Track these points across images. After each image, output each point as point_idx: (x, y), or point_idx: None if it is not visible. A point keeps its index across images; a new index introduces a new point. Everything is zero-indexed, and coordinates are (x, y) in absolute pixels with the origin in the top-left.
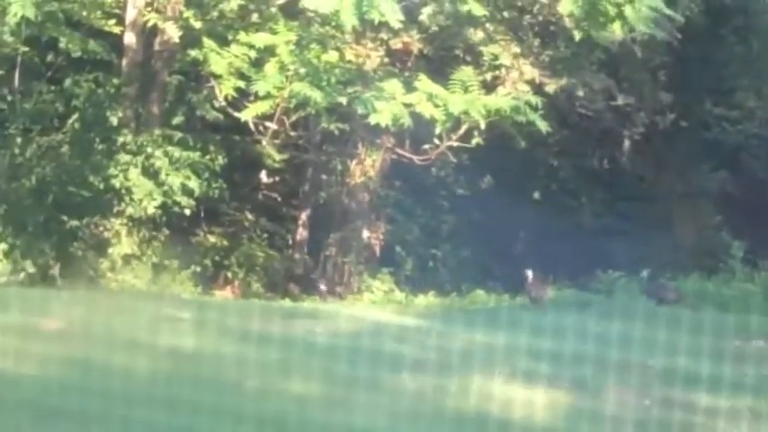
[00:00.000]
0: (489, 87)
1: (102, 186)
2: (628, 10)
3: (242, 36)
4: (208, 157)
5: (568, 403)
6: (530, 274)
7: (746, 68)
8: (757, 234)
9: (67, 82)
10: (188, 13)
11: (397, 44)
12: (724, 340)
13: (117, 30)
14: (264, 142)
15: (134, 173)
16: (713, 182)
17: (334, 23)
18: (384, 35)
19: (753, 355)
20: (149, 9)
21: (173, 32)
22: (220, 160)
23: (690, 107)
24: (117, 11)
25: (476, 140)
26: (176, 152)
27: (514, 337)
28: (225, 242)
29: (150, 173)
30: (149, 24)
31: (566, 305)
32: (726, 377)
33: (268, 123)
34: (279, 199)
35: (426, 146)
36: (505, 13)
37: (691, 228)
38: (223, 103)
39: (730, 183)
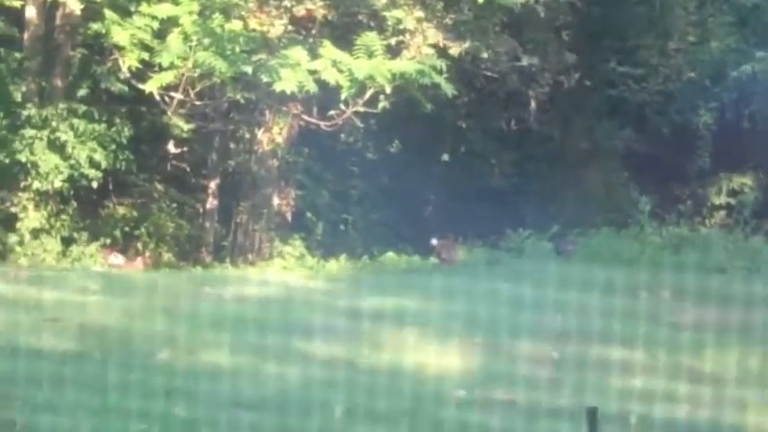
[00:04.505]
0: (394, 52)
1: (7, 161)
2: None
3: (144, 7)
4: (114, 129)
5: (480, 359)
6: (435, 240)
7: (649, 26)
8: (663, 189)
9: None
10: None
11: (300, 11)
12: (634, 292)
13: (17, 4)
14: (170, 113)
15: (40, 147)
16: (619, 139)
17: None
18: (287, 2)
19: (661, 305)
20: None
21: (74, 5)
22: (126, 132)
23: (594, 66)
24: None
25: (382, 105)
26: (82, 125)
27: (425, 297)
28: (134, 213)
29: (56, 146)
30: None
31: (475, 265)
32: (637, 326)
33: (173, 94)
34: (187, 169)
35: (333, 112)
36: None
37: (598, 185)
38: (127, 75)
39: (636, 140)
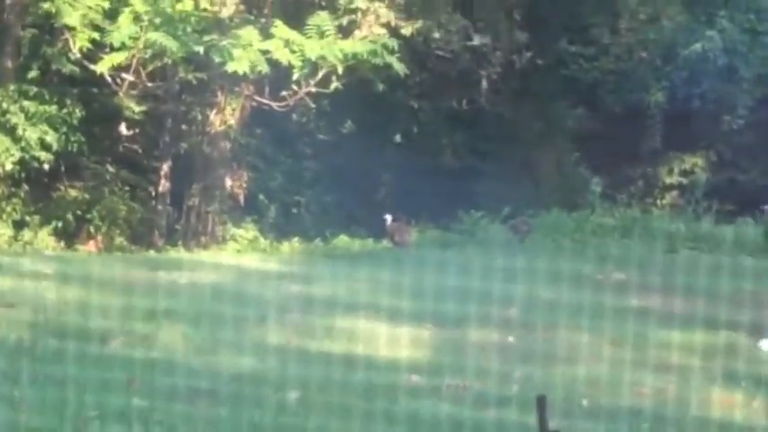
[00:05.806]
0: (346, 32)
1: None
2: None
3: None
4: (65, 110)
5: (433, 341)
6: (388, 218)
7: (600, 5)
8: (615, 169)
9: None
10: None
11: None
12: (587, 274)
13: None
14: (122, 94)
15: None
16: (571, 119)
17: None
18: None
19: (614, 287)
20: None
21: None
22: (78, 113)
23: (546, 45)
24: None
25: (334, 85)
26: (32, 107)
27: (378, 279)
28: (86, 196)
29: (6, 128)
30: None
31: (429, 247)
32: (590, 308)
33: (125, 75)
34: (140, 151)
35: (285, 92)
36: None
37: (550, 165)
38: (78, 56)
39: (587, 119)
